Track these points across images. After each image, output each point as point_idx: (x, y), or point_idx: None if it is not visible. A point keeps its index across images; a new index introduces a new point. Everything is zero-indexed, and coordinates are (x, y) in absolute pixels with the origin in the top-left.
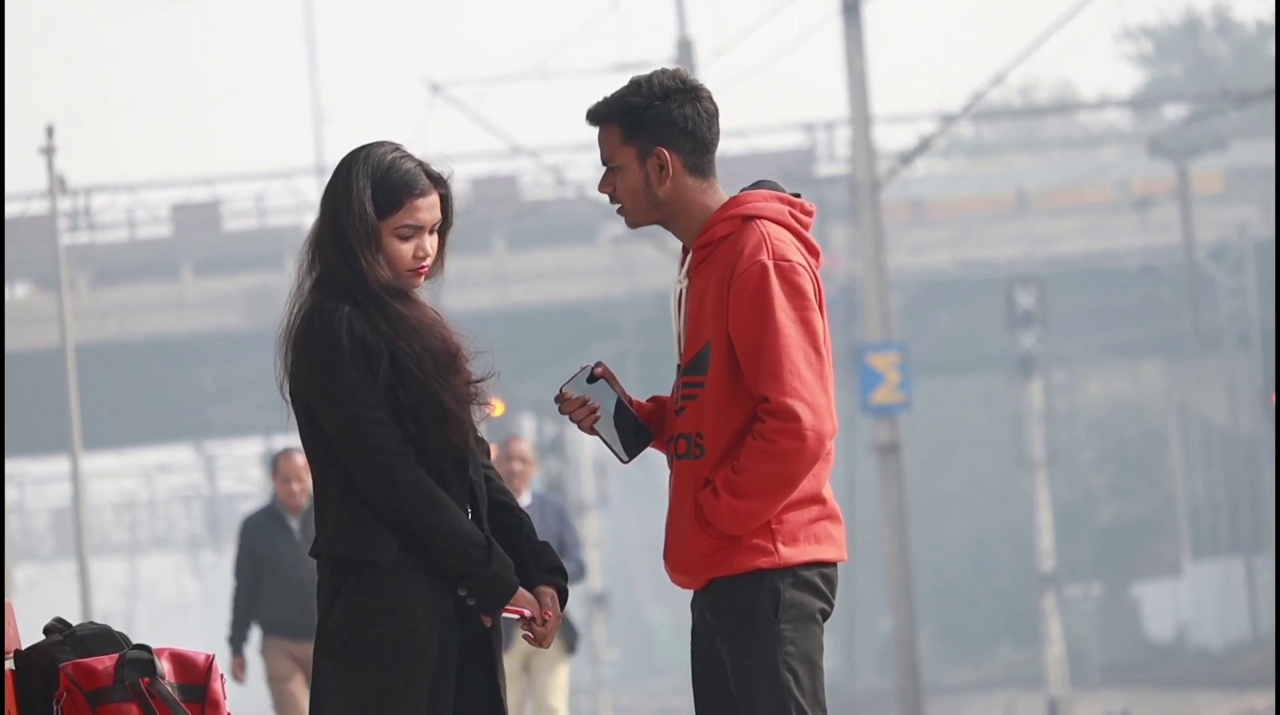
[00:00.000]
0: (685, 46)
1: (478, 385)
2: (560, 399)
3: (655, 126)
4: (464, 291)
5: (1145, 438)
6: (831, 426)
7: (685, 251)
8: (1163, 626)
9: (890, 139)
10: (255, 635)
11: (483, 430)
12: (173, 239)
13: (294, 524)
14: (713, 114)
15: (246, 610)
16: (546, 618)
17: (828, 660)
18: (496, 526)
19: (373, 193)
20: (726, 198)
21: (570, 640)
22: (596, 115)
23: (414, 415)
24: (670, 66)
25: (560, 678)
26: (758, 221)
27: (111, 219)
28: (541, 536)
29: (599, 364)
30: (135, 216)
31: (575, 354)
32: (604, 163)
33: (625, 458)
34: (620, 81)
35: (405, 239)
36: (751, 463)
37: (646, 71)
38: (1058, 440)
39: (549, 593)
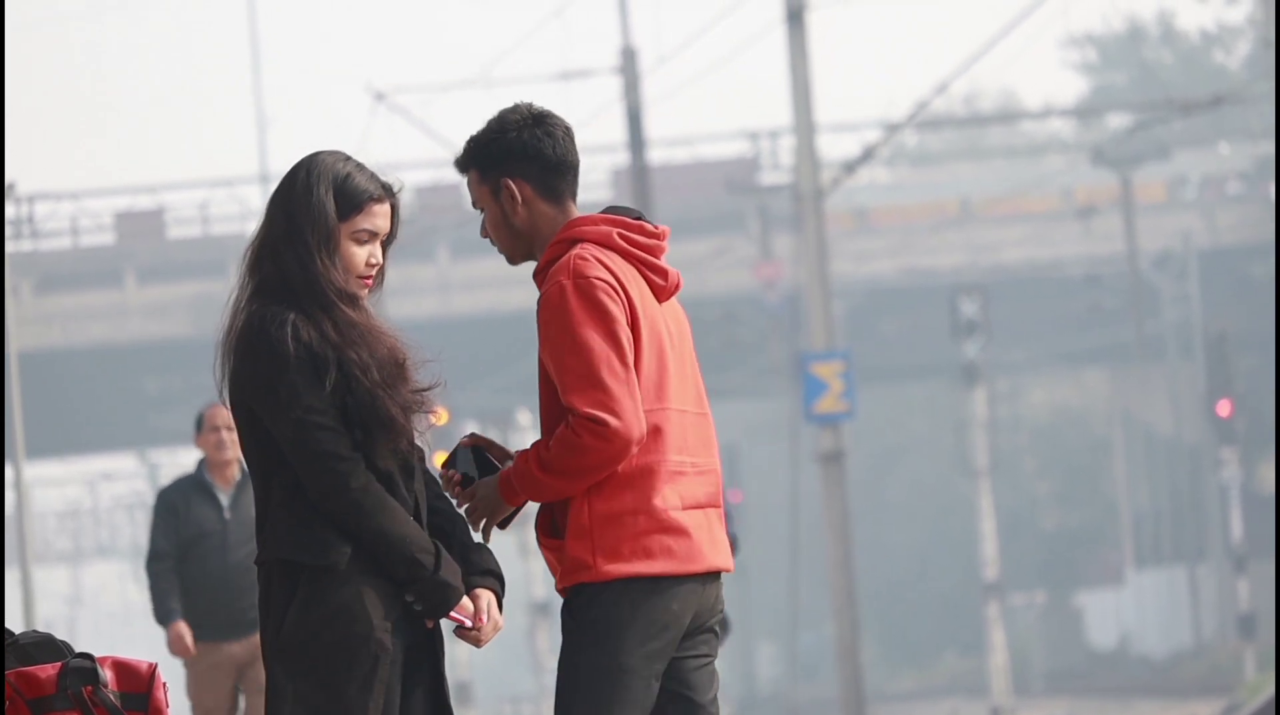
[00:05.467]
0: (629, 54)
1: (423, 394)
2: (443, 480)
3: (501, 159)
4: (408, 299)
5: (1088, 446)
6: (639, 433)
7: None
8: (1105, 635)
9: (834, 147)
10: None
11: (428, 437)
12: (116, 247)
13: (223, 498)
14: (559, 136)
15: (168, 584)
16: (480, 624)
17: (769, 669)
18: (430, 531)
19: (334, 194)
20: (573, 214)
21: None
22: (461, 166)
23: (360, 423)
24: (524, 102)
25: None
26: (579, 244)
27: (55, 227)
28: None
29: (469, 436)
30: (79, 224)
31: (518, 362)
32: (475, 207)
33: (501, 527)
34: (564, 89)
35: (360, 243)
36: (557, 445)
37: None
38: (1001, 448)
39: (485, 596)
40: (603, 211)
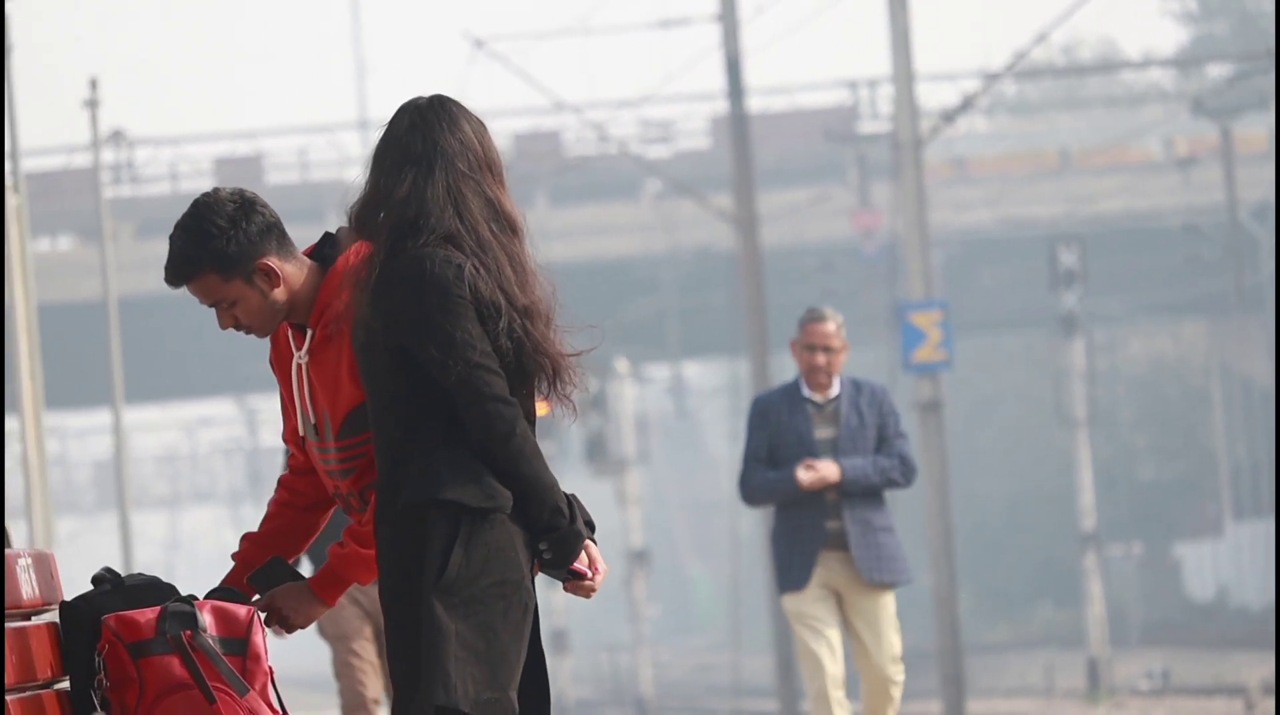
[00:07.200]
0: (728, 2)
1: (570, 348)
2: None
3: (245, 249)
4: None
5: (1186, 397)
6: None
7: (296, 328)
8: (1203, 586)
9: (933, 97)
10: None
11: (574, 394)
12: None
13: None
14: (266, 206)
15: None
16: (596, 572)
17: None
18: None
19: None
20: (306, 262)
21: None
22: (184, 276)
23: (514, 368)
24: (215, 189)
25: (881, 617)
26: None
27: (154, 172)
28: (854, 428)
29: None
30: (178, 169)
31: (616, 310)
32: (212, 305)
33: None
34: (663, 37)
35: None
36: None
37: (209, 207)
38: (1099, 399)
39: (593, 547)
40: (333, 244)
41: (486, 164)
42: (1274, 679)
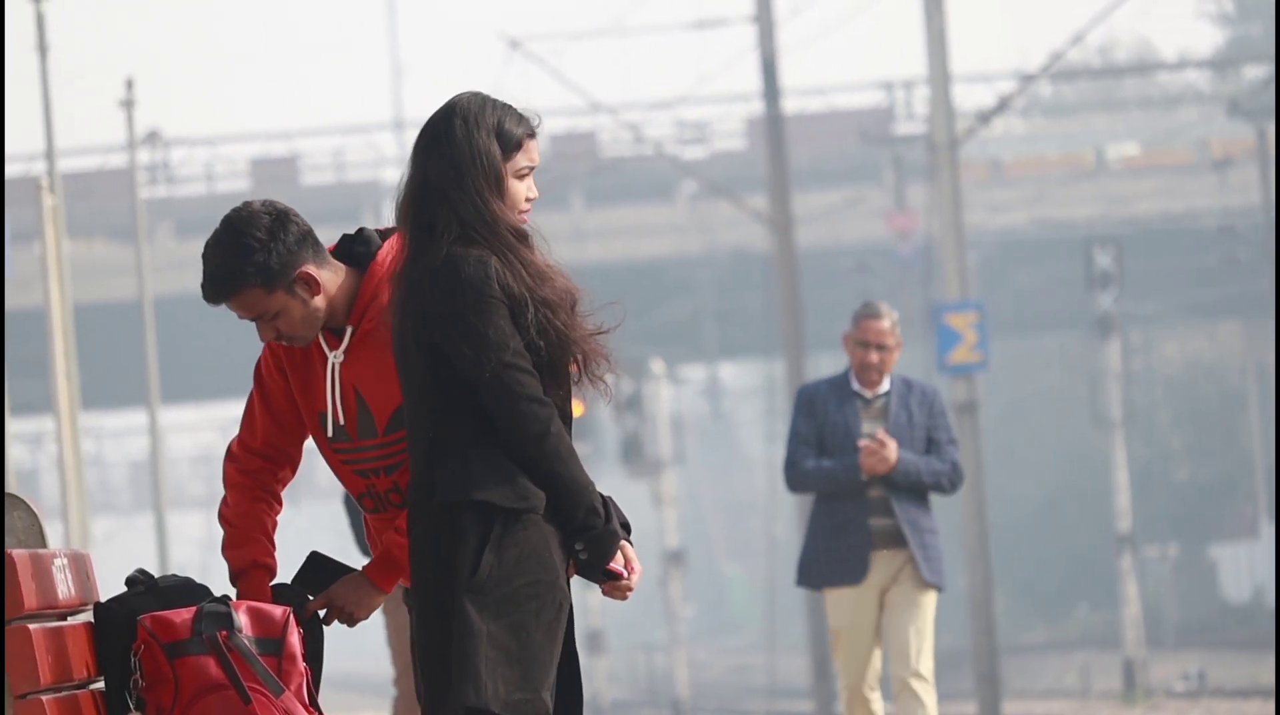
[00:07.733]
0: (764, 3)
1: (603, 335)
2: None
3: (286, 260)
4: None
5: (1222, 398)
6: None
7: (329, 330)
8: (1239, 588)
9: (969, 98)
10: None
11: (606, 380)
12: (251, 193)
13: None
14: (298, 215)
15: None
16: (632, 572)
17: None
18: None
19: (497, 135)
20: (339, 265)
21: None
22: (226, 293)
23: (547, 365)
24: (245, 203)
25: (922, 619)
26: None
27: (190, 173)
28: (900, 429)
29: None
30: (214, 170)
31: (652, 311)
32: (254, 319)
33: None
34: (698, 37)
35: (520, 180)
36: None
37: (242, 222)
38: (1134, 401)
39: (629, 547)
40: (363, 241)
41: (482, 171)
42: (1274, 679)
